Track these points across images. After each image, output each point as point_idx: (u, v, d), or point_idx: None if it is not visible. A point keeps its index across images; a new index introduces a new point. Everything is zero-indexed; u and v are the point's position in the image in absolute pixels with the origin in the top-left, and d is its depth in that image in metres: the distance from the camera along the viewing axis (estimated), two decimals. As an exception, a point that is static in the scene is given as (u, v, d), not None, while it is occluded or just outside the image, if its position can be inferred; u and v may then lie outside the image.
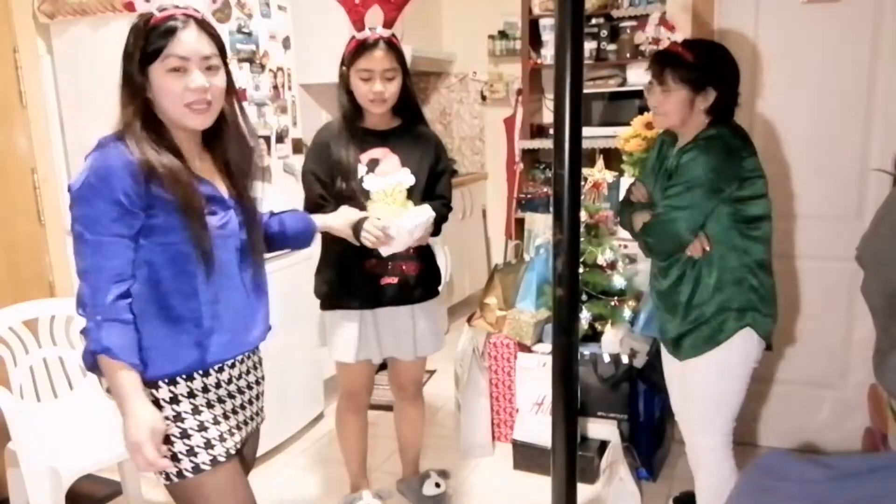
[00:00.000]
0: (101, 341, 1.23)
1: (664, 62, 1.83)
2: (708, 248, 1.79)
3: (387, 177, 1.92)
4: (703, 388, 1.89)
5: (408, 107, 2.03)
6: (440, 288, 2.18)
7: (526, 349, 2.67)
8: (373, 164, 1.96)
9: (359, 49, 1.89)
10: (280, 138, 2.75)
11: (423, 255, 2.08)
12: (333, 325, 2.06)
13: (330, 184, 1.96)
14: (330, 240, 1.98)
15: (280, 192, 2.73)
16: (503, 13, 4.37)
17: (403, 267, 2.02)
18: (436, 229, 2.02)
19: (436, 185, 2.07)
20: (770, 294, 1.86)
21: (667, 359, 2.03)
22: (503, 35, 4.44)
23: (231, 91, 1.38)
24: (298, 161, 2.87)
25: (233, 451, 1.39)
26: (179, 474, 1.32)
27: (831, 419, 2.59)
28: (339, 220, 1.84)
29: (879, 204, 1.93)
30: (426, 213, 1.90)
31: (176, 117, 1.31)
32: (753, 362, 1.86)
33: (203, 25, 1.30)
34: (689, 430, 1.99)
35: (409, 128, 2.04)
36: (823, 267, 2.52)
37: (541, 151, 4.21)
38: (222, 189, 1.40)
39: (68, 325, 2.26)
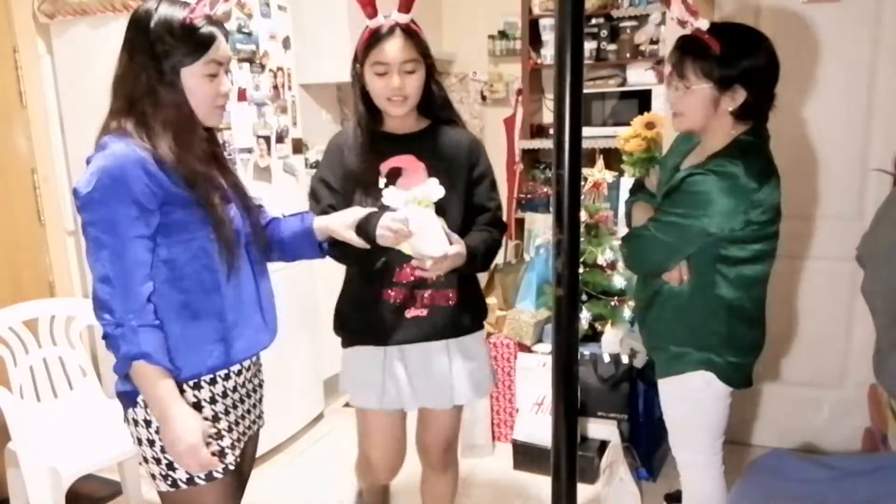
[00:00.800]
0: (140, 346, 1.19)
1: (685, 51, 1.55)
2: (686, 279, 1.61)
3: (411, 189, 1.57)
4: (671, 409, 1.76)
5: (436, 104, 1.68)
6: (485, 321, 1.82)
7: (526, 349, 2.67)
8: (394, 176, 1.63)
9: (371, 39, 1.59)
10: (280, 138, 2.75)
11: (460, 281, 1.68)
12: (353, 365, 1.73)
13: (343, 197, 1.64)
14: (349, 268, 1.73)
15: (280, 192, 2.73)
16: (503, 13, 4.37)
17: (434, 296, 1.65)
18: (487, 257, 1.66)
19: (472, 197, 1.69)
20: (739, 340, 1.63)
21: None
22: (503, 35, 4.43)
23: None
24: (298, 161, 2.87)
25: (238, 461, 1.38)
26: (190, 481, 1.30)
27: (831, 419, 2.59)
28: (339, 219, 1.53)
29: (879, 204, 1.93)
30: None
31: (202, 117, 1.32)
32: (720, 400, 1.67)
33: (223, 30, 1.33)
34: (670, 442, 1.85)
35: (438, 130, 1.69)
36: (823, 267, 2.52)
37: (541, 151, 4.20)
38: (223, 182, 1.40)
39: (68, 325, 2.26)
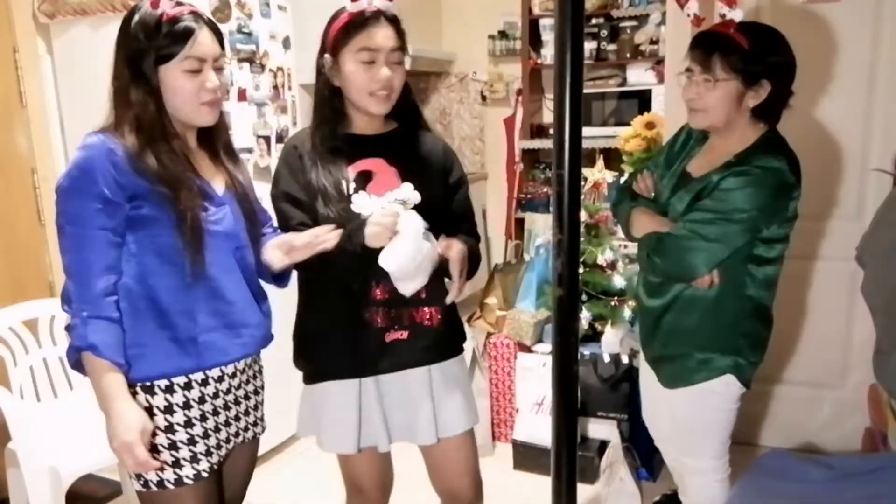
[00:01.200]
0: (86, 338, 1.20)
1: (713, 46, 1.52)
2: (717, 282, 1.58)
3: (384, 195, 1.41)
4: (689, 417, 1.73)
5: (406, 106, 1.54)
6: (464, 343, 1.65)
7: (526, 349, 2.67)
8: (363, 180, 1.46)
9: (353, 24, 1.41)
10: (280, 138, 2.75)
11: (440, 293, 1.51)
12: (322, 405, 1.52)
13: (309, 209, 1.44)
14: (309, 283, 1.52)
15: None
16: (503, 13, 4.37)
17: (416, 315, 1.49)
18: (470, 267, 1.49)
19: (451, 204, 1.55)
20: (760, 341, 1.67)
21: (644, 367, 1.88)
22: (503, 35, 4.43)
23: None
24: (298, 161, 2.87)
25: (216, 467, 1.36)
26: (160, 484, 1.29)
27: (831, 419, 2.59)
28: (307, 236, 1.34)
29: (879, 204, 1.93)
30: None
31: (187, 115, 1.31)
32: (736, 402, 1.70)
33: (211, 25, 1.31)
34: (677, 449, 1.83)
35: (407, 132, 1.55)
36: (823, 267, 2.52)
37: (541, 151, 4.21)
38: (217, 185, 1.38)
39: (68, 325, 2.26)
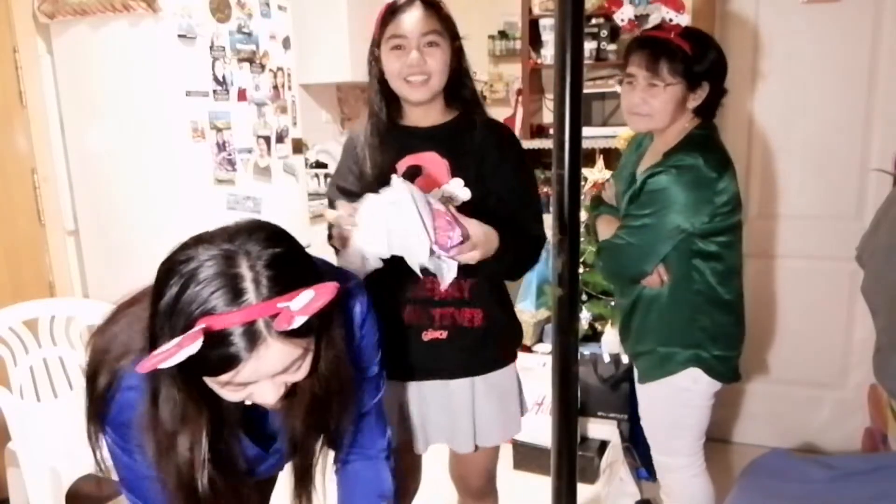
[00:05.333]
0: None
1: (658, 51, 1.55)
2: (666, 280, 1.63)
3: (432, 191, 1.34)
4: (655, 413, 1.77)
5: (466, 93, 1.44)
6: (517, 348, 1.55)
7: (526, 349, 2.67)
8: (412, 176, 1.38)
9: (388, 13, 1.38)
10: (280, 138, 2.75)
11: (488, 294, 1.43)
12: None
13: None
14: None
15: (280, 192, 2.73)
16: (503, 13, 4.37)
17: (455, 315, 1.40)
18: (516, 266, 1.40)
19: (507, 198, 1.41)
20: (723, 333, 1.67)
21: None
22: (503, 35, 4.43)
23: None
24: (298, 161, 2.87)
25: None
26: None
27: (831, 419, 2.59)
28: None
29: (879, 204, 1.93)
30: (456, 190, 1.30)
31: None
32: (708, 398, 1.70)
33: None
34: (652, 446, 1.85)
35: (465, 122, 1.43)
36: (823, 267, 2.52)
37: (541, 151, 4.20)
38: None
39: (68, 325, 2.26)
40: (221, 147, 2.47)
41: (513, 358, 1.52)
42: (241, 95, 2.53)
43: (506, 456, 2.64)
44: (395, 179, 1.19)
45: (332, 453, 1.17)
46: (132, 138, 2.39)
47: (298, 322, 0.78)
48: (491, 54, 4.49)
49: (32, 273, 2.55)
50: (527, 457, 2.56)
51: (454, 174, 1.39)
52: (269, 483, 1.48)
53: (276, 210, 2.65)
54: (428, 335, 1.40)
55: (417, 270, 1.22)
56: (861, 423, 2.44)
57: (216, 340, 0.77)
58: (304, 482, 1.09)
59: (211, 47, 2.40)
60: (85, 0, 2.34)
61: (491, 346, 1.45)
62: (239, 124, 2.54)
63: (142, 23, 2.28)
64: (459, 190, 1.36)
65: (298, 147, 2.88)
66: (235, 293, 0.78)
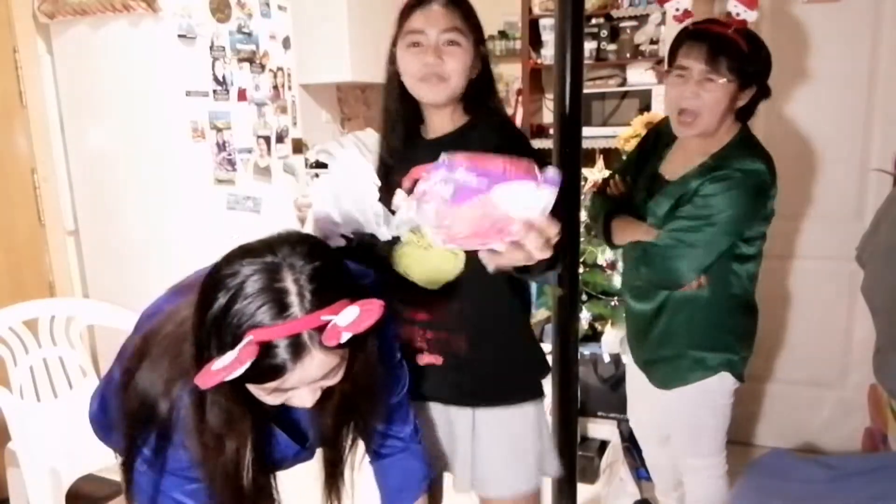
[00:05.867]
0: None
1: (719, 48, 1.49)
2: (704, 283, 1.60)
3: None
4: (688, 417, 1.74)
5: (482, 96, 1.31)
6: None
7: (526, 349, 2.67)
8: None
9: (406, 8, 1.28)
10: (280, 138, 2.75)
11: (478, 319, 1.27)
12: None
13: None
14: None
15: (280, 192, 2.73)
16: (503, 13, 4.37)
17: (450, 339, 1.27)
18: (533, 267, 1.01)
19: None
20: (748, 335, 1.70)
21: (633, 369, 1.88)
22: (503, 35, 4.43)
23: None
24: (298, 161, 2.87)
25: None
26: None
27: (831, 419, 2.59)
28: None
29: (879, 204, 1.93)
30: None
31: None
32: (729, 398, 1.72)
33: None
34: (676, 449, 1.84)
35: (479, 127, 1.29)
36: (823, 267, 2.52)
37: (541, 151, 4.20)
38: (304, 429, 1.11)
39: (68, 325, 2.26)
40: (221, 147, 2.47)
41: (529, 396, 1.30)
42: (241, 95, 2.53)
43: (506, 456, 2.64)
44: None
45: (361, 447, 1.19)
46: (132, 138, 2.40)
47: (345, 338, 0.82)
48: (491, 54, 4.49)
49: (32, 273, 2.55)
50: (527, 457, 2.56)
51: None
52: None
53: (276, 210, 2.65)
54: (423, 359, 1.30)
55: (385, 230, 1.19)
56: (861, 423, 2.44)
57: (263, 352, 0.81)
58: (333, 476, 1.13)
59: (211, 47, 2.40)
60: (85, 0, 2.34)
61: (488, 377, 1.29)
62: (239, 124, 2.54)
63: (142, 23, 2.28)
64: None
65: (298, 147, 2.88)
66: (281, 307, 0.81)
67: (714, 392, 1.68)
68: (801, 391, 2.62)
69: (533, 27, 3.96)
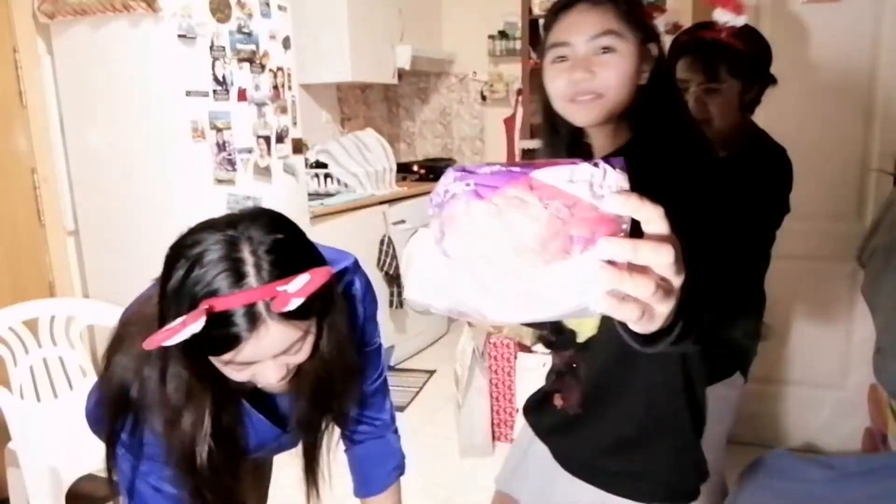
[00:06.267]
0: None
1: (715, 53, 1.47)
2: None
3: None
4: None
5: (654, 106, 1.02)
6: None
7: (526, 349, 2.67)
8: None
9: (550, 14, 1.05)
10: (280, 138, 2.75)
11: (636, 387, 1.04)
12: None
13: None
14: None
15: (280, 192, 2.73)
16: (503, 13, 4.37)
17: (570, 392, 1.12)
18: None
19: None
20: (756, 332, 1.73)
21: None
22: (503, 35, 4.43)
23: None
24: (298, 161, 2.87)
25: None
26: None
27: (831, 419, 2.59)
28: None
29: (879, 204, 1.94)
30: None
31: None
32: (736, 398, 1.73)
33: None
34: None
35: (644, 146, 1.01)
36: (823, 267, 2.52)
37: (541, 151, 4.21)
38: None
39: (68, 325, 2.26)
40: (221, 147, 2.47)
41: (638, 496, 1.06)
42: (241, 95, 2.53)
43: (506, 456, 2.64)
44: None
45: (337, 432, 1.20)
46: (132, 138, 2.40)
47: (294, 304, 0.81)
48: (491, 54, 4.50)
49: (32, 273, 2.55)
50: (527, 457, 2.56)
51: None
52: (267, 468, 1.49)
53: (276, 210, 2.64)
54: (557, 400, 1.14)
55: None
56: (861, 423, 2.44)
57: (219, 321, 0.81)
58: (311, 463, 1.14)
59: (211, 47, 2.40)
60: (85, 0, 2.34)
61: (606, 457, 1.07)
62: (239, 124, 2.54)
63: (142, 23, 2.28)
64: None
65: (298, 147, 2.88)
66: (238, 276, 0.82)
67: (728, 388, 1.69)
68: (801, 391, 2.62)
69: (533, 27, 3.96)
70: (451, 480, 2.54)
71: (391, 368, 3.66)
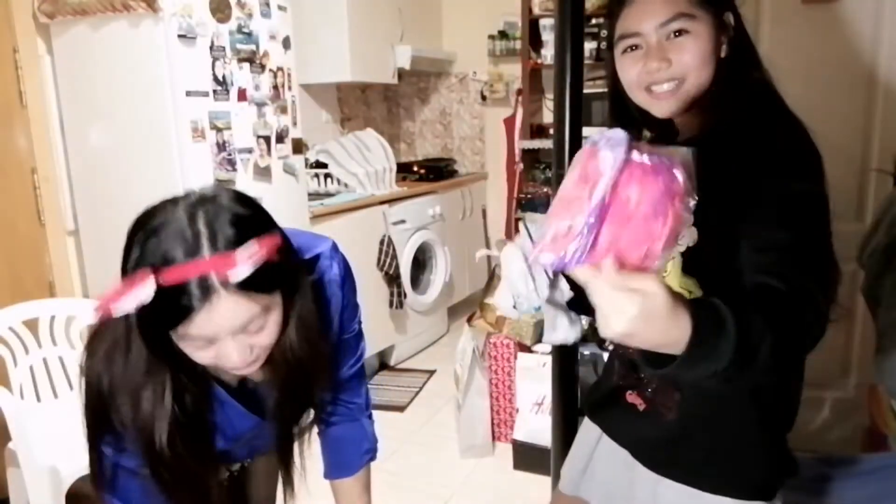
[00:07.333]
0: None
1: None
2: None
3: None
4: None
5: (738, 77, 0.99)
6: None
7: (526, 349, 2.67)
8: None
9: (615, 4, 1.02)
10: (280, 138, 2.75)
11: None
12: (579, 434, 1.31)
13: None
14: None
15: (280, 192, 2.73)
16: (503, 13, 4.37)
17: (657, 393, 1.06)
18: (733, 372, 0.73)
19: (741, 250, 0.89)
20: None
21: None
22: (503, 35, 4.43)
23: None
24: (298, 161, 2.87)
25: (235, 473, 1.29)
26: None
27: (831, 419, 2.59)
28: None
29: (879, 204, 1.93)
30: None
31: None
32: None
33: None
34: None
35: (723, 133, 0.97)
36: (823, 267, 2.52)
37: (541, 151, 4.20)
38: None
39: (68, 325, 2.26)
40: (221, 147, 2.47)
41: (729, 492, 1.03)
42: (241, 95, 2.53)
43: (506, 456, 2.64)
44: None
45: (313, 432, 1.22)
46: (132, 138, 2.40)
47: (241, 271, 0.82)
48: (491, 54, 4.50)
49: (32, 273, 2.55)
50: (527, 457, 2.56)
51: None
52: (246, 478, 1.49)
53: (276, 210, 2.64)
54: (630, 396, 1.09)
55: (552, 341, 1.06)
56: (861, 423, 2.44)
57: (173, 291, 0.81)
58: (284, 451, 1.13)
59: (211, 47, 2.40)
60: (85, 0, 2.34)
61: (684, 450, 1.03)
62: (239, 124, 2.54)
63: (142, 23, 2.28)
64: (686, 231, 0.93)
65: (298, 147, 2.88)
66: (192, 247, 0.82)
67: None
68: (802, 391, 2.62)
69: (533, 27, 3.96)
70: (451, 480, 2.54)
71: (391, 368, 3.67)
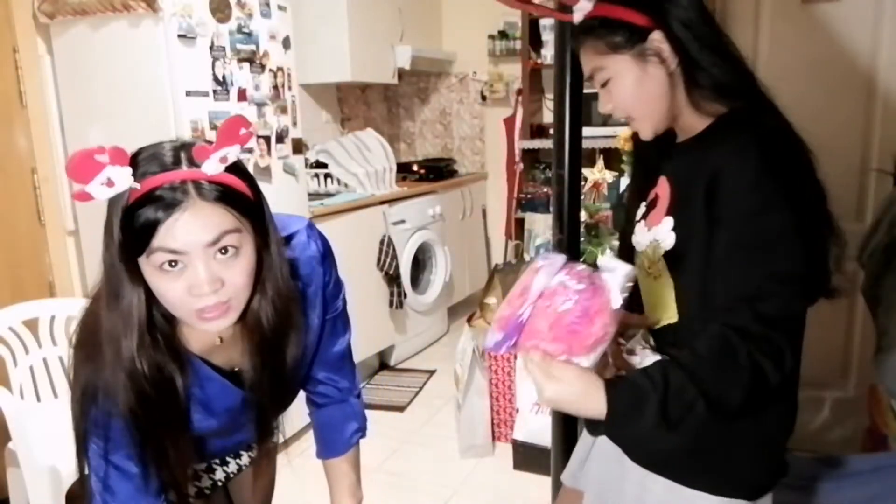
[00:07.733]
0: None
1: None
2: None
3: (651, 230, 1.05)
4: None
5: (735, 79, 1.06)
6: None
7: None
8: (651, 207, 1.09)
9: None
10: (280, 138, 2.75)
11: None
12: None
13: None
14: None
15: (280, 192, 2.73)
16: (503, 13, 4.37)
17: None
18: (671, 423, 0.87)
19: (710, 258, 0.95)
20: None
21: None
22: (503, 35, 4.44)
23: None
24: (298, 161, 2.87)
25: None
26: None
27: (831, 419, 2.59)
28: None
29: (879, 204, 1.94)
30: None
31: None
32: None
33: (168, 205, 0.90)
34: None
35: (717, 130, 1.04)
36: (823, 267, 2.52)
37: (541, 151, 4.20)
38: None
39: (68, 325, 2.26)
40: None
41: (717, 490, 1.05)
42: (241, 95, 2.53)
43: (506, 456, 2.64)
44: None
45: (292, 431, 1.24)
46: (132, 138, 2.38)
47: (213, 165, 0.87)
48: (491, 54, 4.50)
49: (32, 273, 2.55)
50: (527, 457, 2.56)
51: (674, 210, 1.00)
52: (269, 474, 1.50)
53: (276, 210, 2.64)
54: (609, 371, 1.07)
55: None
56: (861, 423, 2.44)
57: (150, 199, 0.85)
58: (264, 430, 1.15)
59: (211, 47, 2.40)
60: (85, 0, 2.34)
61: (673, 449, 1.06)
62: (239, 124, 2.54)
63: (142, 23, 2.28)
64: (666, 235, 0.97)
65: (298, 147, 2.88)
66: (171, 162, 0.88)
67: None
68: (801, 391, 2.61)
69: (533, 27, 3.96)
70: (451, 480, 2.54)
71: (391, 368, 3.67)
